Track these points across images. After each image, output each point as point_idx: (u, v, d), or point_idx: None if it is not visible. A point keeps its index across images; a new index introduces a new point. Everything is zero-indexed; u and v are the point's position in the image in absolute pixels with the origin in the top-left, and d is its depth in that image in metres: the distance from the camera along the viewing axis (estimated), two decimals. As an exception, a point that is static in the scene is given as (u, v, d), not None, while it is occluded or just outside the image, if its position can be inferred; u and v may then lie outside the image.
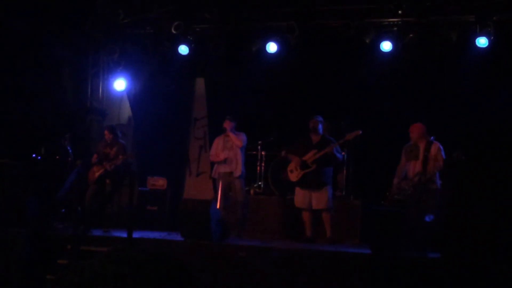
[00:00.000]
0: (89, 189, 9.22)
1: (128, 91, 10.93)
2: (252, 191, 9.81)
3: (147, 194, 10.01)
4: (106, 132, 9.37)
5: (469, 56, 9.01)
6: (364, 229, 8.77)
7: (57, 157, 9.82)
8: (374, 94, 9.55)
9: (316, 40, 9.79)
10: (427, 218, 7.74)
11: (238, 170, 8.94)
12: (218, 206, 8.71)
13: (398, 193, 7.93)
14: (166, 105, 10.73)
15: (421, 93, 9.46)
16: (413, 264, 7.01)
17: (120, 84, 10.71)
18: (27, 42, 10.49)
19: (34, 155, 9.91)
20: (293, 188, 8.83)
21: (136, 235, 7.98)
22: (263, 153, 9.97)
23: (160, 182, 10.11)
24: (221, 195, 8.92)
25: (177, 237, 8.42)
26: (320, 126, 8.58)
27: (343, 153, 8.91)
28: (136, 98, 10.95)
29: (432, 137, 7.89)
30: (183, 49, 10.10)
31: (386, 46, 9.32)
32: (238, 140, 8.97)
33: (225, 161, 8.98)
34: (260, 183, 9.91)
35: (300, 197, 8.52)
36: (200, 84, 10.99)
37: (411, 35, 9.20)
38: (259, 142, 9.93)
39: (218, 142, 9.17)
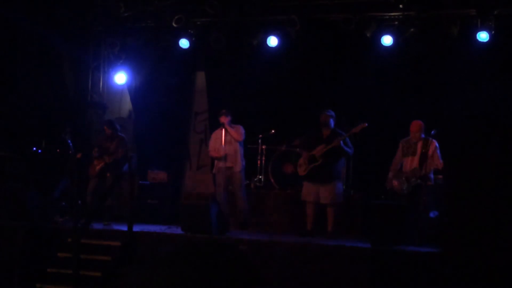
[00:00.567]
0: (90, 182, 9.26)
1: (128, 84, 10.94)
2: (252, 185, 9.82)
3: (147, 188, 10.03)
4: (105, 127, 9.40)
5: (470, 51, 9.00)
6: (364, 223, 8.77)
7: (58, 150, 9.84)
8: (375, 88, 9.53)
9: (317, 34, 9.77)
10: (431, 214, 7.76)
11: (238, 164, 8.95)
12: (218, 200, 8.74)
13: (393, 191, 8.01)
14: (167, 99, 10.74)
15: (422, 87, 9.43)
16: (412, 258, 7.02)
17: (120, 77, 10.71)
18: (28, 36, 10.50)
19: (34, 148, 9.94)
20: (294, 182, 8.81)
21: (136, 228, 8.00)
22: (263, 147, 9.96)
23: (160, 176, 10.12)
24: (221, 189, 8.94)
25: (177, 230, 8.44)
26: (331, 121, 8.51)
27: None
28: (136, 91, 10.95)
29: (433, 131, 7.88)
30: (184, 43, 10.09)
31: (387, 40, 9.31)
32: (238, 134, 8.96)
33: (225, 156, 8.97)
34: (260, 177, 9.91)
35: (307, 190, 8.50)
36: (200, 77, 10.97)
37: (412, 29, 9.18)
38: (260, 136, 9.92)
39: (216, 136, 9.14)
